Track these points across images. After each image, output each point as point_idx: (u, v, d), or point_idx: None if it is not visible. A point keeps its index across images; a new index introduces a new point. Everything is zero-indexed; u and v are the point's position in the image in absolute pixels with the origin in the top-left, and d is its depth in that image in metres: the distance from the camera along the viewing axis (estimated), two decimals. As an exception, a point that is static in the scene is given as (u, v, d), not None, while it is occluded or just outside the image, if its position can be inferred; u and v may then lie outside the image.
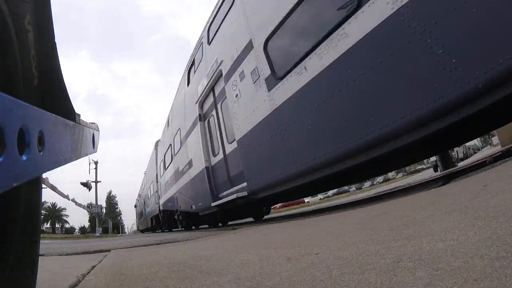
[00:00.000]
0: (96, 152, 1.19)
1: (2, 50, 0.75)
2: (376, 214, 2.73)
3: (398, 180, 36.03)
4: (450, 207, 1.83)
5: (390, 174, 50.63)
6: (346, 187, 46.48)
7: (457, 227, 1.29)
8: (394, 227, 1.75)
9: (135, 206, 37.48)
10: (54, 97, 0.98)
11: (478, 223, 1.25)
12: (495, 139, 22.98)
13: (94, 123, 1.21)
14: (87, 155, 1.07)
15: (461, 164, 15.87)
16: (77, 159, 0.94)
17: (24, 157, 0.61)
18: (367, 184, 50.65)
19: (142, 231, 31.84)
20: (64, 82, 1.00)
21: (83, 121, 1.06)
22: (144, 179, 26.86)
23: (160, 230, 21.96)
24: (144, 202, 27.64)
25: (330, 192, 46.15)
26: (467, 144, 29.70)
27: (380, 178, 48.76)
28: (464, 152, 27.61)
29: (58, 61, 0.99)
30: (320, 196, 46.18)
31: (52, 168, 0.76)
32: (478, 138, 33.66)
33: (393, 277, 0.92)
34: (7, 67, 0.77)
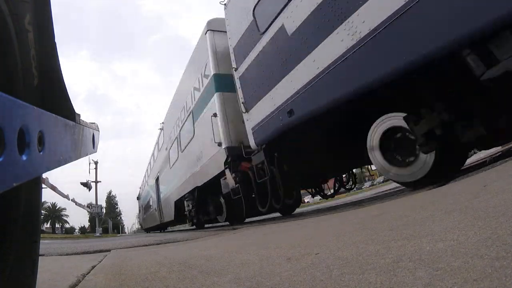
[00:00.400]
0: (96, 152, 1.19)
1: (2, 50, 0.75)
2: (376, 214, 2.73)
3: (398, 180, 35.88)
4: (450, 207, 1.83)
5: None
6: (346, 187, 46.23)
7: (457, 227, 1.30)
8: (394, 227, 1.75)
9: (138, 198, 29.28)
10: (54, 97, 0.98)
11: (478, 223, 1.25)
12: (495, 139, 22.90)
13: (94, 123, 1.21)
14: (87, 155, 1.07)
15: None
16: (77, 159, 0.94)
17: (24, 157, 0.61)
18: (367, 184, 50.62)
19: (148, 230, 24.46)
20: (64, 82, 1.00)
21: (83, 121, 1.06)
22: (161, 136, 15.81)
23: (196, 225, 11.90)
24: (158, 178, 16.74)
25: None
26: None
27: (380, 178, 48.80)
28: (464, 152, 27.50)
29: (58, 61, 0.99)
30: (319, 196, 45.95)
31: (52, 168, 0.76)
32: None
33: (393, 277, 0.92)
34: (7, 67, 0.77)
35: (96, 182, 37.33)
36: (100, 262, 2.95)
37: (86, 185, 31.51)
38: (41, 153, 0.68)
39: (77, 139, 0.95)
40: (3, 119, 0.53)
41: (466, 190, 2.47)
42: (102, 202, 68.60)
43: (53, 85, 0.98)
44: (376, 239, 1.56)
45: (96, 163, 37.93)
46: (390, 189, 8.76)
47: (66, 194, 25.55)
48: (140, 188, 27.34)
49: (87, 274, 2.19)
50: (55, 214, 67.62)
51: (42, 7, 0.94)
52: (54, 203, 66.61)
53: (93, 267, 2.55)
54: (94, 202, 35.22)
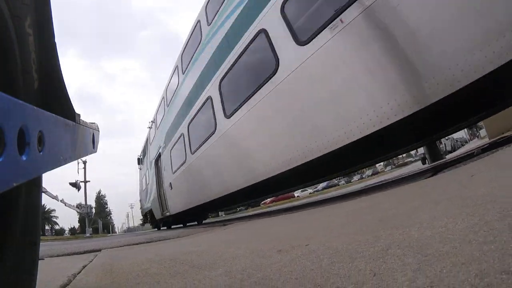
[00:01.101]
0: (96, 152, 1.19)
1: (3, 52, 0.75)
2: (365, 206, 2.77)
3: (387, 173, 36.35)
4: (438, 197, 1.87)
5: (379, 168, 51.45)
6: (335, 181, 46.71)
7: (445, 215, 1.33)
8: (383, 218, 1.78)
9: (140, 161, 19.88)
10: (54, 97, 0.98)
11: (466, 210, 1.29)
12: (482, 132, 23.20)
13: (94, 123, 1.21)
14: (87, 155, 1.07)
15: (449, 156, 16.05)
16: (77, 159, 0.95)
17: (24, 157, 0.61)
18: (356, 177, 51.22)
19: (167, 222, 14.60)
20: (64, 83, 1.00)
21: (83, 121, 1.06)
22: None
23: None
24: None
25: (320, 186, 46.36)
26: (455, 136, 29.90)
27: (369, 172, 49.49)
28: (452, 144, 27.87)
29: (58, 61, 0.99)
30: (309, 190, 46.29)
31: (52, 168, 0.76)
32: (466, 131, 34.06)
33: (383, 264, 0.95)
34: (7, 67, 0.77)
35: (85, 182, 36.93)
36: (91, 261, 2.93)
37: (75, 185, 31.15)
38: (41, 153, 0.68)
39: (77, 139, 0.95)
40: (3, 119, 0.54)
41: (454, 180, 2.53)
42: (92, 202, 67.82)
43: (53, 86, 0.98)
44: (366, 229, 1.59)
45: (84, 163, 37.52)
46: (379, 181, 8.84)
47: (55, 195, 25.25)
48: (150, 125, 16.78)
49: (77, 274, 2.17)
50: (45, 216, 66.42)
51: (42, 8, 0.94)
52: (43, 204, 65.60)
53: (84, 267, 2.53)
54: (83, 202, 34.86)
